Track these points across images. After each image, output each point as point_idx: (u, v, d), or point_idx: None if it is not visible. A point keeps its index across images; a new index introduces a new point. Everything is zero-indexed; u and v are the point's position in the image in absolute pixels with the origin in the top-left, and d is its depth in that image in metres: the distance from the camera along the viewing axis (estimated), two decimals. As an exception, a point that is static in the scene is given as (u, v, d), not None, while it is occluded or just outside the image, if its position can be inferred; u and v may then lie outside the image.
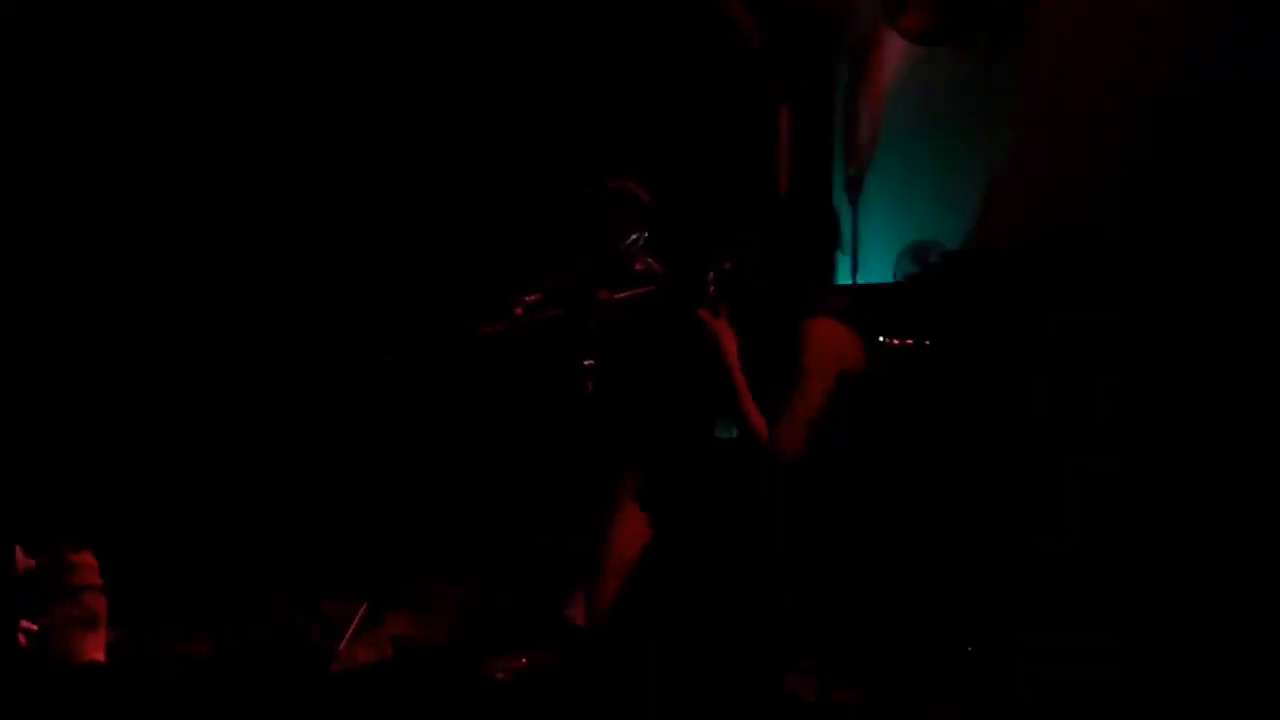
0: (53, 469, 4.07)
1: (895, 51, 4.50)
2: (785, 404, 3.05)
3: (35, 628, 3.27)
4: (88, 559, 3.48)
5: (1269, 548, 3.02)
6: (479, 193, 4.73)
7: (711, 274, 3.23)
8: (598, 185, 3.70)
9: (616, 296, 3.53)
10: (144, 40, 4.44)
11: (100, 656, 3.39)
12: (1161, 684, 3.07)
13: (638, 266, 3.65)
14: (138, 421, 4.46)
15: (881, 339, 3.56)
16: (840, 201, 4.49)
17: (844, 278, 4.35)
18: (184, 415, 4.52)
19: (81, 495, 4.15)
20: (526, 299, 3.68)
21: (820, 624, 3.19)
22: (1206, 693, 3.02)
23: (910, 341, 3.60)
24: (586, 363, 3.43)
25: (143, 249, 4.55)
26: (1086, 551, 3.26)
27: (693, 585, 3.22)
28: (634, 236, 3.65)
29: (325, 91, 4.65)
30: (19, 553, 3.35)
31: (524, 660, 3.32)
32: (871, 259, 4.38)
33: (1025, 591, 3.33)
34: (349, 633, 3.58)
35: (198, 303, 4.59)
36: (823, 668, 3.18)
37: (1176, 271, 3.26)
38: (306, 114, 4.63)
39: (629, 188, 3.73)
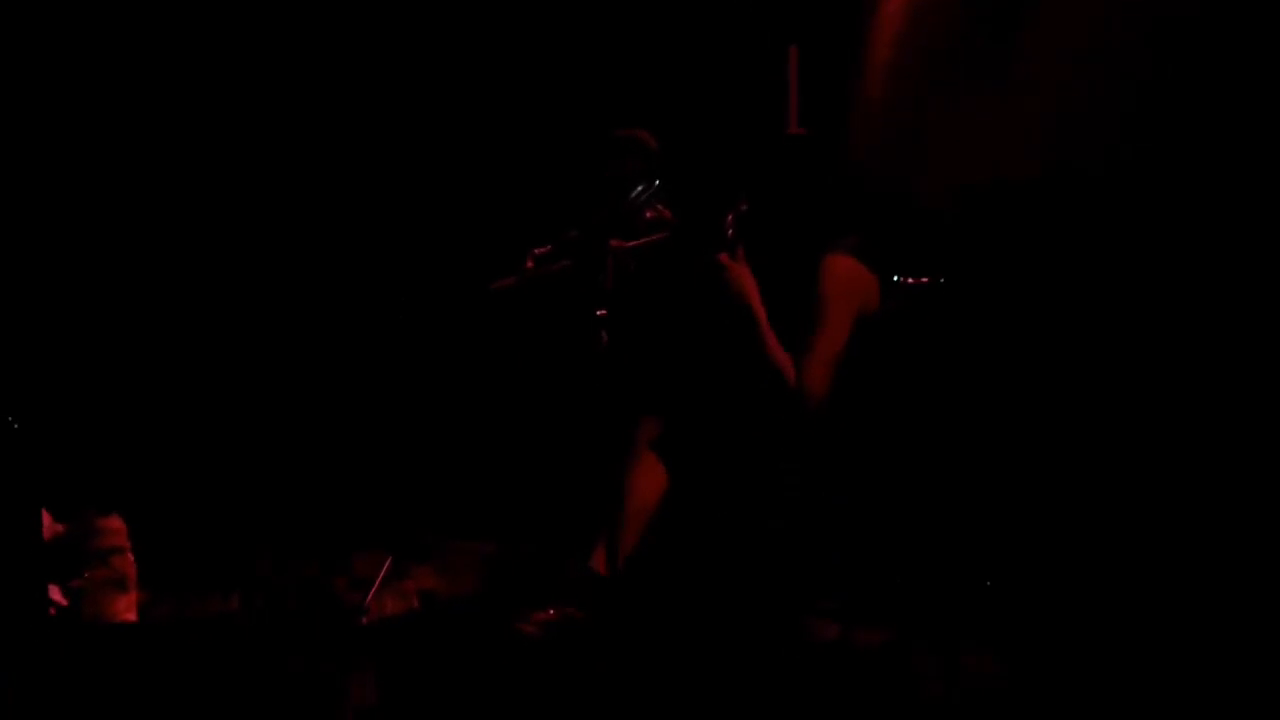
0: (79, 434, 4.12)
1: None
2: (806, 344, 3.00)
3: (65, 598, 3.33)
4: (116, 523, 3.54)
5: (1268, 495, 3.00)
6: (487, 147, 4.70)
7: (730, 216, 3.16)
8: (606, 135, 3.67)
9: (627, 246, 3.51)
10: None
11: (132, 617, 3.45)
12: (1183, 619, 3.07)
13: (648, 215, 3.62)
14: (161, 382, 4.51)
15: (896, 278, 3.53)
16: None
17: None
18: (207, 375, 4.56)
19: (108, 459, 4.20)
20: (537, 251, 3.68)
21: (842, 567, 3.19)
22: (1221, 629, 3.02)
23: (925, 280, 3.56)
24: (599, 313, 3.43)
25: (159, 208, 4.58)
26: (1102, 485, 3.25)
27: (712, 533, 3.22)
28: (644, 185, 3.62)
29: (332, 44, 4.63)
30: (48, 518, 3.40)
31: (551, 612, 3.34)
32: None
33: (1049, 527, 3.33)
34: (375, 587, 3.61)
35: (217, 264, 4.61)
36: (844, 610, 3.19)
37: (1194, 209, 3.21)
38: (311, 68, 4.62)
39: (638, 135, 3.70)
